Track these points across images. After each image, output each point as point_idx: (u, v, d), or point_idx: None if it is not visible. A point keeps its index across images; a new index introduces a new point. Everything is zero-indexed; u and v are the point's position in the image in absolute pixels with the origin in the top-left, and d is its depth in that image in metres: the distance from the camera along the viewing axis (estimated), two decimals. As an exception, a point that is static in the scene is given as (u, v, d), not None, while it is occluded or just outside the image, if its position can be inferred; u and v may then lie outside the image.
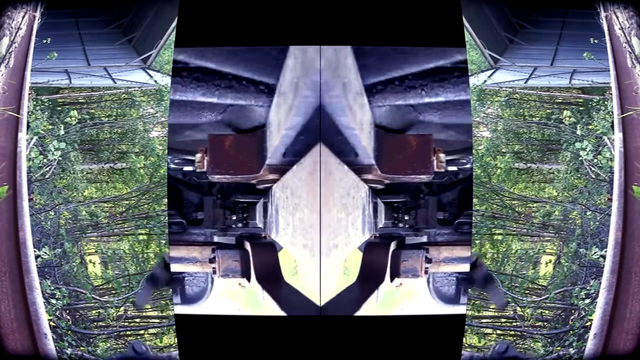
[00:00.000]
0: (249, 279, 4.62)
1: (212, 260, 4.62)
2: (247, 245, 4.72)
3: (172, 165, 4.86)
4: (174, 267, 4.66)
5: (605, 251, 5.32)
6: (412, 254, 4.62)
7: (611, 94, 5.58)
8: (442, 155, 4.77)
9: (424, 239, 4.65)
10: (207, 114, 4.79)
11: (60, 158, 5.57)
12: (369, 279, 4.58)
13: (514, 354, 4.88)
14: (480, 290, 4.77)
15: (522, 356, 4.87)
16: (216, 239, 4.70)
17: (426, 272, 4.53)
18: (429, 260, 4.58)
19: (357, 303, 4.47)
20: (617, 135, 5.45)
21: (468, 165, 4.87)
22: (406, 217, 4.74)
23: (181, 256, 4.61)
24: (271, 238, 4.73)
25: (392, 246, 4.69)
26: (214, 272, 4.55)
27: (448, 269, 4.57)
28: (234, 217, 4.81)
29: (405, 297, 4.75)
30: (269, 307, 4.54)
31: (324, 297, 4.55)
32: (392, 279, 4.58)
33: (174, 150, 4.81)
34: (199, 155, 4.80)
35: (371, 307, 4.49)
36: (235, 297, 4.76)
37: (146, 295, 4.73)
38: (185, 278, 4.67)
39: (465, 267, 4.63)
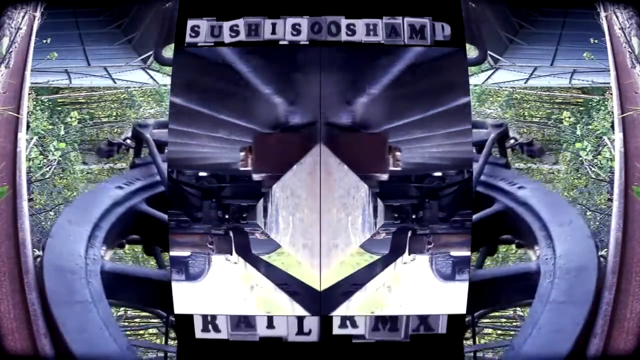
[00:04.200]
0: (232, 254, 4.98)
1: (211, 244, 4.97)
2: (231, 233, 4.98)
3: (188, 172, 4.92)
4: (181, 252, 4.86)
5: (606, 251, 5.31)
6: (420, 239, 4.95)
7: (611, 94, 5.58)
8: (398, 154, 4.84)
9: (428, 231, 4.94)
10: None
11: (60, 158, 5.57)
12: (396, 252, 4.94)
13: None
14: (538, 157, 5.67)
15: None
16: (212, 231, 4.98)
17: (428, 251, 4.94)
18: (430, 243, 4.96)
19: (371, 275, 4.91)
20: (617, 135, 5.45)
21: (452, 172, 4.93)
22: (413, 216, 4.88)
23: (186, 241, 4.94)
24: (245, 229, 4.99)
25: (409, 233, 4.96)
26: (212, 251, 4.97)
27: (445, 250, 4.92)
28: (227, 216, 4.90)
29: (413, 275, 4.91)
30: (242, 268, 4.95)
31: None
32: (409, 254, 4.97)
33: (185, 167, 4.91)
34: (242, 154, 4.84)
35: (390, 275, 4.87)
36: (227, 273, 4.96)
37: (92, 159, 5.62)
38: (189, 261, 4.92)
39: (458, 252, 4.86)
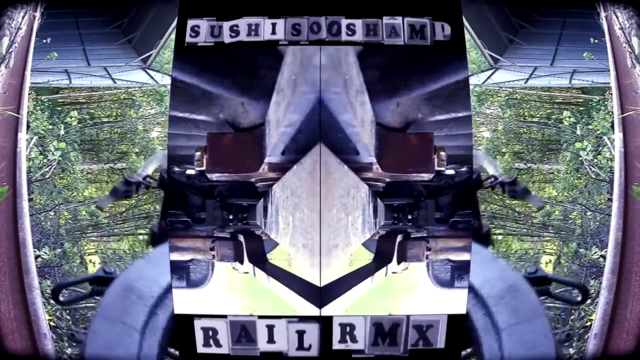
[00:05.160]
0: (241, 262, 4.85)
1: (212, 249, 4.85)
2: (241, 237, 4.87)
3: (177, 169, 4.88)
4: (181, 256, 4.83)
5: (606, 251, 5.32)
6: (415, 244, 4.83)
7: (611, 94, 5.58)
8: (442, 154, 4.80)
9: (424, 233, 4.80)
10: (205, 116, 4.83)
11: (60, 158, 5.57)
12: (380, 261, 4.83)
13: (542, 274, 5.06)
14: (521, 198, 5.43)
15: (550, 276, 5.09)
16: (215, 233, 4.84)
17: (427, 258, 4.81)
18: (428, 249, 4.83)
19: (355, 282, 4.78)
20: (617, 135, 5.46)
21: (464, 169, 4.89)
22: (409, 216, 4.85)
23: (187, 246, 4.83)
24: (259, 232, 4.87)
25: (399, 238, 4.84)
26: (213, 258, 4.83)
27: (444, 256, 4.81)
28: (231, 217, 4.88)
29: (408, 282, 4.89)
30: (264, 281, 4.85)
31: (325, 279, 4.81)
32: (399, 262, 4.84)
33: (175, 160, 4.85)
34: (198, 154, 4.82)
35: (367, 286, 4.80)
36: (232, 282, 4.89)
37: (107, 201, 5.47)
38: (190, 266, 4.82)
39: (458, 256, 4.81)
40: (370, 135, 4.79)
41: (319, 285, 4.81)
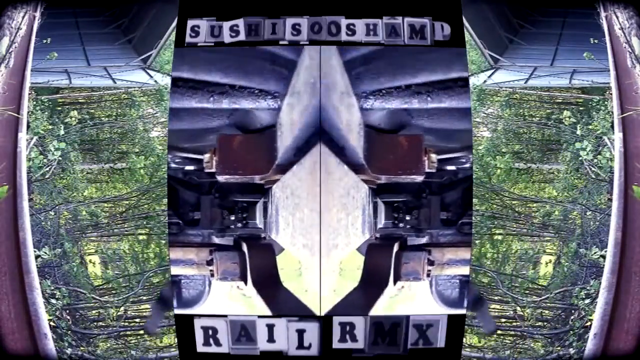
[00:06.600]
0: (246, 282, 4.63)
1: (209, 263, 4.55)
2: (244, 247, 4.70)
3: (173, 165, 4.86)
4: (171, 270, 4.76)
5: (605, 251, 5.32)
6: (413, 255, 4.61)
7: (611, 94, 5.58)
8: (433, 156, 4.78)
9: (426, 240, 4.66)
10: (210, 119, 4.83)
11: (60, 158, 5.57)
12: (372, 283, 4.64)
13: None
14: (470, 311, 4.74)
15: None
16: (214, 240, 4.69)
17: (428, 275, 4.51)
18: (431, 263, 4.51)
19: (361, 310, 4.62)
20: (617, 135, 5.46)
21: (467, 165, 4.87)
22: (407, 217, 4.76)
23: (177, 258, 4.59)
24: (270, 239, 4.76)
25: (395, 248, 4.67)
26: (212, 275, 4.53)
27: (451, 271, 4.56)
28: (233, 217, 4.79)
29: (407, 300, 4.84)
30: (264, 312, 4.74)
31: (325, 305, 4.71)
32: (394, 282, 4.60)
33: (175, 148, 4.82)
34: (207, 156, 4.79)
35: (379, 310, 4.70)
36: (234, 301, 4.84)
37: (158, 320, 4.79)
38: (182, 281, 4.65)
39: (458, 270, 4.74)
40: (359, 138, 4.78)
41: (319, 314, 4.81)
